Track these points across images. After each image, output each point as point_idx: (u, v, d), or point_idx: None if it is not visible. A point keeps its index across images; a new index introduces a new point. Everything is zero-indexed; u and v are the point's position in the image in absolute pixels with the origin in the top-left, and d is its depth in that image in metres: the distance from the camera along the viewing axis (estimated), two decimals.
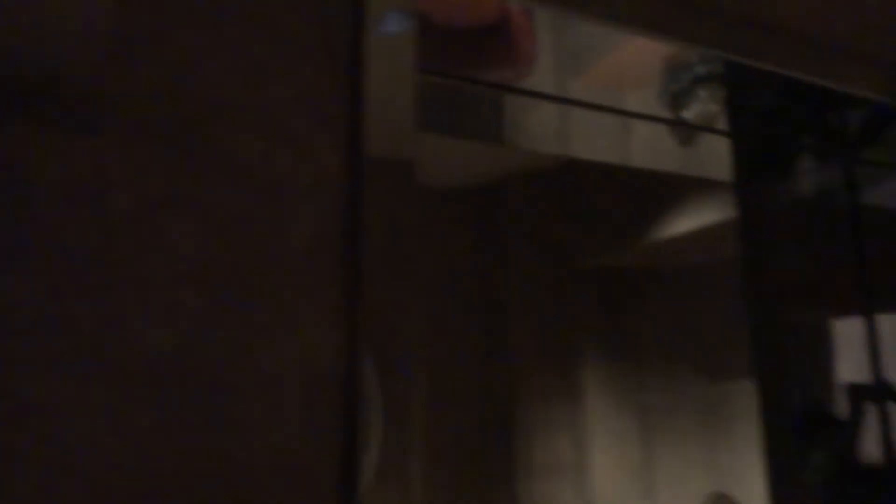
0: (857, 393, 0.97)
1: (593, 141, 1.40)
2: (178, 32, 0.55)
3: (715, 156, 1.27)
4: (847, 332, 0.98)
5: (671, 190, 1.63)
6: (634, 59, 1.31)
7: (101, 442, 0.48)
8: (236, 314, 0.55)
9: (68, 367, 0.48)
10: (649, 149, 1.44)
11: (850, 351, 1.00)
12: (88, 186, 0.50)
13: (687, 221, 1.53)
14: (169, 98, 0.54)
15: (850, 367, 1.06)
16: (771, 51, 1.04)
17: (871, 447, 0.89)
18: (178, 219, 0.53)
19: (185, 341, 0.52)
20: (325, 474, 0.57)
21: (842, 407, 1.01)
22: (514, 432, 1.96)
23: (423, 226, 1.96)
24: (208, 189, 0.55)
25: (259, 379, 0.55)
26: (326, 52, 0.61)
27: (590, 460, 1.86)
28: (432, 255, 1.95)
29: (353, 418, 0.57)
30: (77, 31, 0.50)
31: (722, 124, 1.22)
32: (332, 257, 0.61)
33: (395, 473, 1.76)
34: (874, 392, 0.83)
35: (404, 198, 0.84)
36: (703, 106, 1.21)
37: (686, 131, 1.31)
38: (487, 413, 1.97)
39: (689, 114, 1.27)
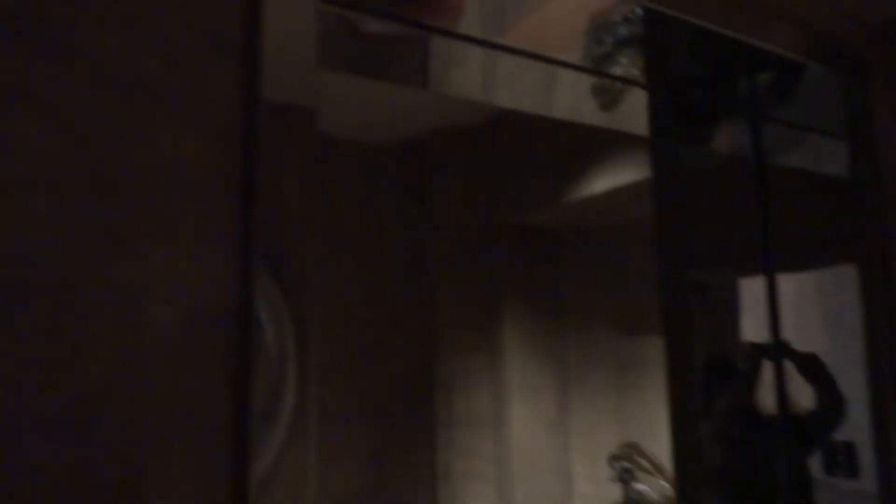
0: (756, 351, 1.03)
1: (518, 95, 1.39)
2: None
3: (635, 116, 1.29)
4: (753, 292, 1.02)
5: (593, 147, 1.64)
6: (559, 17, 1.30)
7: None
8: (99, 226, 0.50)
9: None
10: (573, 110, 1.45)
11: (755, 309, 1.05)
12: None
13: (607, 180, 1.55)
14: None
15: (754, 324, 1.11)
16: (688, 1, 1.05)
17: (767, 399, 0.94)
18: (30, 118, 0.48)
19: (37, 252, 0.48)
20: (217, 413, 0.54)
21: (743, 362, 1.06)
22: (435, 384, 1.98)
23: (336, 176, 1.92)
24: (67, 87, 0.50)
25: (125, 298, 0.51)
26: None
27: (508, 412, 1.91)
28: (355, 208, 1.92)
29: (248, 354, 0.54)
30: None
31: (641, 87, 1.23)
32: (221, 178, 0.57)
33: (313, 424, 1.75)
34: (771, 350, 0.87)
35: (304, 145, 0.80)
36: (625, 70, 1.21)
37: (607, 96, 1.32)
38: (409, 365, 1.98)
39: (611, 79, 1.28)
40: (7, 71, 0.48)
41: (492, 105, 1.73)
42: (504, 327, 1.88)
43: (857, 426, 0.96)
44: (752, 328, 1.07)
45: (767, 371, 1.00)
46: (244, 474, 0.52)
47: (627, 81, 1.23)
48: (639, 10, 1.18)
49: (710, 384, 1.13)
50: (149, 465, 0.49)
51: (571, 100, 1.46)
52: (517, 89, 1.42)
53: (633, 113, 1.29)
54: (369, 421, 1.89)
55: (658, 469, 1.67)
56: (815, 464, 1.04)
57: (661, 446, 1.01)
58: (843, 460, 1.03)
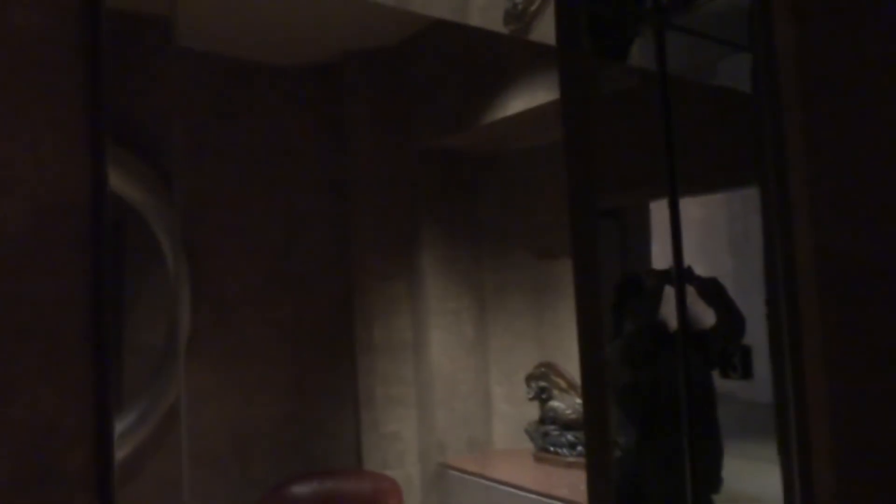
0: (659, 276, 1.05)
1: (433, 3, 1.33)
2: None
3: (546, 37, 1.26)
4: (663, 216, 1.03)
5: (506, 67, 1.60)
6: None
7: None
8: None
9: None
10: (487, 15, 1.40)
11: (663, 233, 1.06)
12: None
13: (521, 101, 1.52)
14: None
15: (661, 249, 1.13)
16: None
17: (669, 319, 0.96)
18: None
19: None
20: (71, 316, 0.49)
21: (649, 285, 1.09)
22: (354, 312, 1.96)
23: (242, 98, 1.82)
24: None
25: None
26: None
27: (428, 338, 1.92)
28: (268, 133, 1.83)
29: (101, 253, 0.49)
30: None
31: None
32: (62, 58, 0.51)
33: (219, 355, 1.72)
34: (674, 275, 0.89)
35: (164, 54, 0.73)
36: None
37: (520, 22, 1.28)
38: (328, 293, 1.95)
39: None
40: None
41: (405, 20, 1.65)
42: (421, 254, 1.86)
43: (756, 340, 1.00)
44: (662, 252, 1.09)
45: (668, 294, 1.03)
46: (104, 382, 0.48)
47: None
48: None
49: (620, 306, 1.15)
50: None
51: (485, 18, 1.41)
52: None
53: (544, 36, 1.26)
54: (291, 350, 1.87)
55: (572, 387, 1.72)
56: (716, 379, 1.09)
57: (575, 366, 1.03)
58: (738, 362, 1.09)
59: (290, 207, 1.91)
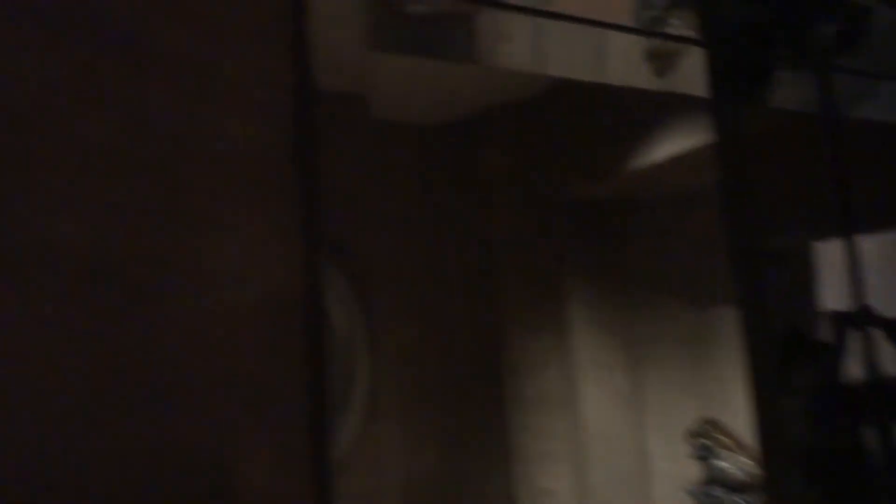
0: (840, 320, 0.95)
1: (569, 64, 1.35)
2: None
3: (692, 80, 1.22)
4: (830, 257, 0.95)
5: (650, 114, 1.57)
6: None
7: (14, 350, 0.45)
8: (160, 212, 0.50)
9: None
10: (627, 76, 1.39)
11: (833, 275, 0.98)
12: None
13: (668, 147, 1.48)
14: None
15: (833, 291, 1.04)
16: None
17: (853, 371, 0.88)
18: (95, 115, 0.48)
19: (100, 238, 0.48)
20: (292, 395, 0.54)
21: (825, 332, 1.00)
22: (502, 367, 1.95)
23: (390, 159, 1.90)
24: (127, 81, 0.50)
25: (193, 282, 0.51)
26: None
27: (579, 392, 1.87)
28: (410, 191, 1.90)
29: (318, 342, 0.54)
30: None
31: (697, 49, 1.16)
32: (279, 167, 0.56)
33: (385, 410, 1.76)
34: (856, 319, 0.81)
35: (359, 129, 0.79)
36: (677, 32, 1.15)
37: (662, 61, 1.26)
38: (475, 348, 1.96)
39: (662, 44, 1.22)
40: (79, 68, 0.49)
41: (542, 76, 1.68)
42: (570, 305, 1.83)
43: None
44: (832, 296, 1.01)
45: (852, 340, 0.94)
46: (324, 455, 0.52)
47: (681, 39, 1.17)
48: None
49: (788, 357, 1.07)
50: (227, 447, 0.50)
51: (624, 66, 1.40)
52: (568, 58, 1.37)
53: (690, 77, 1.22)
54: (442, 406, 1.89)
55: (739, 446, 1.60)
56: None
57: (739, 422, 0.96)
58: None
59: (432, 261, 1.96)
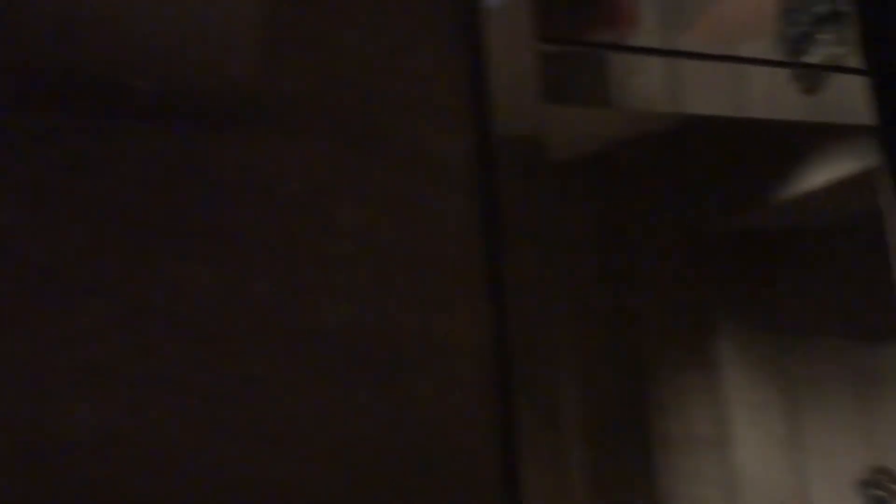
0: None
1: (707, 96, 1.33)
2: (326, 30, 0.58)
3: (846, 100, 1.16)
4: None
5: (799, 141, 1.50)
6: (745, 7, 1.22)
7: (287, 411, 0.52)
8: (401, 291, 0.58)
9: (253, 344, 0.53)
10: (770, 99, 1.35)
11: None
12: (262, 177, 0.55)
13: (819, 175, 1.41)
14: (324, 91, 0.58)
15: None
16: None
17: None
18: (344, 202, 0.56)
19: (357, 317, 0.56)
20: (485, 451, 0.60)
21: None
22: (648, 406, 1.90)
23: (548, 201, 1.93)
24: (368, 173, 0.58)
25: (422, 354, 0.58)
26: (448, 30, 0.62)
27: (731, 434, 1.77)
28: (554, 230, 1.92)
29: (509, 396, 0.59)
30: (236, 39, 0.54)
31: (852, 65, 1.11)
32: (476, 238, 0.62)
33: (547, 453, 1.76)
34: None
35: (536, 173, 0.83)
36: (827, 49, 1.10)
37: (811, 78, 1.20)
38: (618, 385, 1.92)
39: (812, 60, 1.17)
40: (335, 169, 0.57)
41: (679, 113, 1.65)
42: (720, 341, 1.75)
43: None
44: None
45: None
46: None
47: (840, 70, 1.12)
48: None
49: None
50: None
51: (768, 92, 1.35)
52: (705, 92, 1.36)
53: (843, 93, 1.17)
54: (585, 445, 1.85)
55: None
56: None
57: None
58: None
59: (576, 299, 1.95)
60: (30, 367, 0.50)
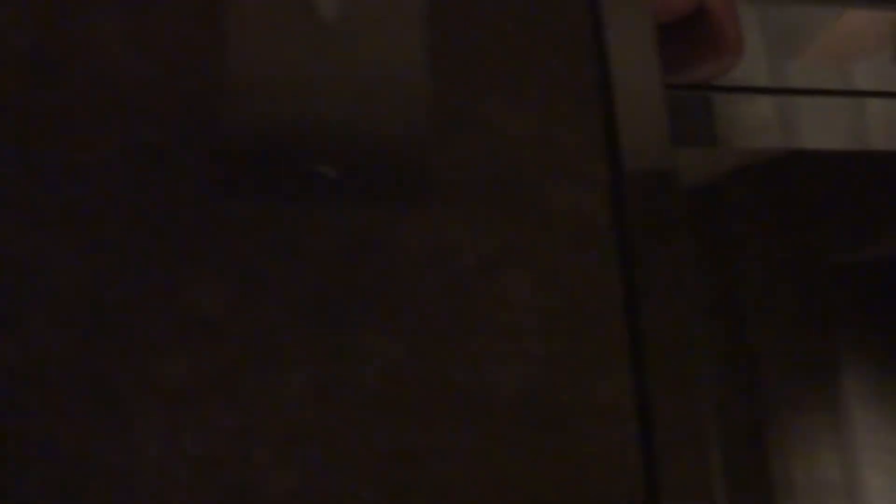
0: None
1: (822, 128, 1.30)
2: (484, 100, 0.62)
3: None
4: None
5: None
6: (859, 27, 1.20)
7: (466, 480, 0.55)
8: (569, 357, 0.60)
9: (431, 410, 0.56)
10: (891, 127, 1.31)
11: None
12: (436, 251, 0.58)
13: None
14: (489, 161, 0.61)
15: None
16: None
17: None
18: (515, 273, 0.59)
19: (530, 385, 0.58)
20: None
21: None
22: (767, 449, 1.83)
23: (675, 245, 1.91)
24: (533, 242, 0.61)
25: (583, 418, 0.60)
26: (589, 98, 0.65)
27: (861, 479, 1.69)
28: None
29: (651, 455, 0.60)
30: (401, 107, 0.58)
31: None
32: (621, 303, 0.64)
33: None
34: None
35: (667, 214, 0.84)
36: None
37: None
38: (737, 428, 1.87)
39: None
40: (504, 239, 0.61)
41: (790, 148, 1.62)
42: (847, 380, 1.67)
43: None
44: None
45: None
46: None
47: None
48: None
49: None
50: None
51: (888, 121, 1.32)
52: (820, 124, 1.33)
53: None
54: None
55: None
56: None
57: None
58: None
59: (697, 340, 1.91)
60: (236, 438, 0.54)
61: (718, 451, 1.77)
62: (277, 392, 0.55)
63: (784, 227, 1.82)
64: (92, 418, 0.54)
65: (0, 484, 0.51)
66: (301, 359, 0.55)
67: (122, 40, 0.58)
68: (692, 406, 0.83)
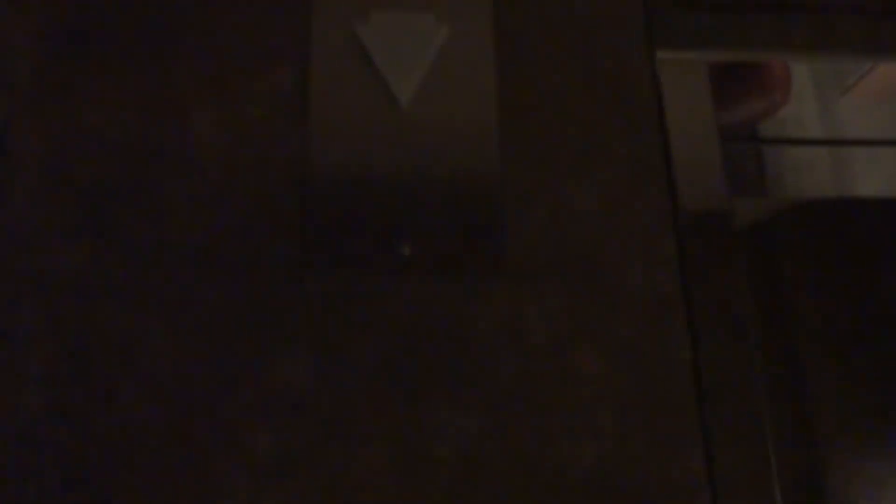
0: None
1: (874, 177, 1.29)
2: (554, 178, 0.64)
3: None
4: None
5: None
6: None
7: None
8: (641, 433, 0.60)
9: (508, 482, 0.57)
10: None
11: None
12: (510, 327, 0.60)
13: None
14: (559, 237, 0.63)
15: None
16: None
17: None
18: (585, 349, 0.60)
19: (604, 461, 0.59)
20: None
21: None
22: (835, 496, 1.77)
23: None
24: (603, 317, 0.62)
25: (657, 494, 0.60)
26: (655, 177, 0.67)
27: None
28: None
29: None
30: (473, 186, 0.61)
31: None
32: (692, 381, 0.65)
33: None
34: None
35: (731, 286, 0.84)
36: None
37: None
38: (802, 474, 1.81)
39: None
40: (576, 318, 0.62)
41: (842, 196, 1.59)
42: None
43: None
44: None
45: None
46: None
47: None
48: None
49: None
50: None
51: None
52: (872, 173, 1.31)
53: None
54: None
55: None
56: None
57: None
58: None
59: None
60: None
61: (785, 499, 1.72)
62: (357, 465, 0.57)
63: (840, 273, 1.79)
64: (182, 487, 0.56)
65: None
66: (379, 433, 0.57)
67: (215, 129, 0.62)
68: (763, 481, 0.83)
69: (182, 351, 0.59)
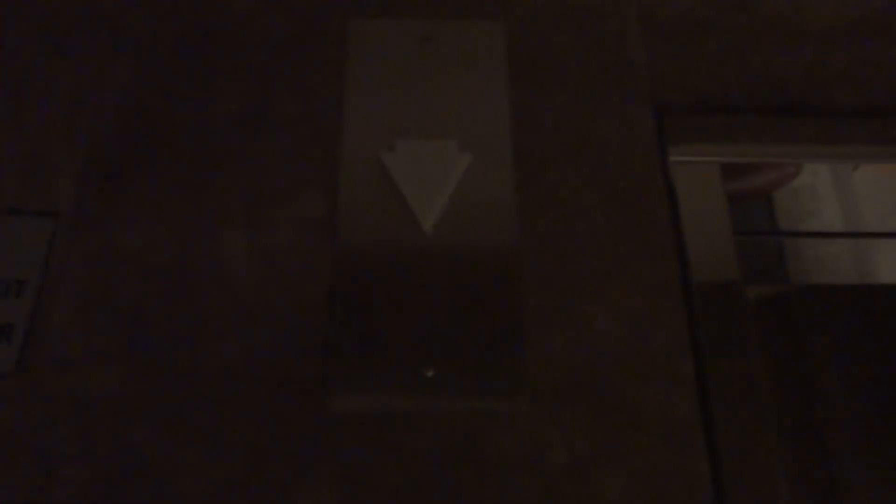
0: None
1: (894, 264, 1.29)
2: (573, 299, 0.66)
3: None
4: None
5: None
6: None
7: None
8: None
9: None
10: None
11: None
12: (527, 447, 0.61)
13: None
14: (579, 358, 0.64)
15: None
16: None
17: None
18: (607, 472, 0.61)
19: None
20: None
21: None
22: None
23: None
24: (624, 440, 0.63)
25: None
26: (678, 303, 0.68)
27: None
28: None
29: None
30: (494, 306, 0.63)
31: None
32: (707, 496, 0.65)
33: None
34: None
35: (752, 407, 0.85)
36: None
37: None
38: None
39: None
40: (598, 440, 0.63)
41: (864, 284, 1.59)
42: None
43: None
44: None
45: None
46: None
47: None
48: None
49: None
50: None
51: None
52: (892, 260, 1.31)
53: None
54: None
55: None
56: None
57: None
58: None
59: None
60: None
61: None
62: None
63: (857, 336, 1.77)
64: None
65: None
66: None
67: (246, 252, 0.65)
68: None
69: (213, 476, 0.60)
